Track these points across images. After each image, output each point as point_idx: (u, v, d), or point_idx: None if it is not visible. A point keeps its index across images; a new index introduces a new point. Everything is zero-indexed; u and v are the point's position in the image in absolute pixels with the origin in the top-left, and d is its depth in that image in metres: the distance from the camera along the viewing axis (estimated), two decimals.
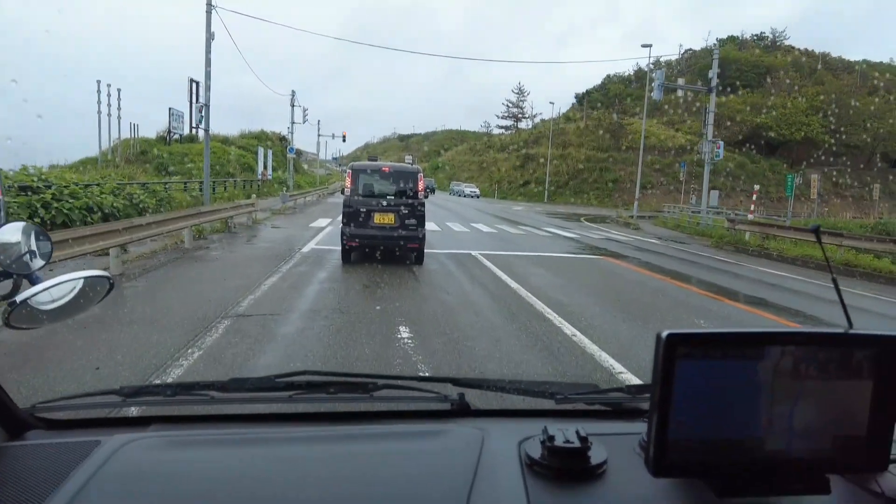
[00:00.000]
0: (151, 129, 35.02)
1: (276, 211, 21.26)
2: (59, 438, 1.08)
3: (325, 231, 15.04)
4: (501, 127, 78.35)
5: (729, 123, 44.64)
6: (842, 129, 45.15)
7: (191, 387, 1.28)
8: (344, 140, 64.33)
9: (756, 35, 69.76)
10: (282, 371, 1.32)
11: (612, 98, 60.28)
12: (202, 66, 18.57)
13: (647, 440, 0.78)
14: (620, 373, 4.57)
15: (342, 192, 9.90)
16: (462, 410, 1.26)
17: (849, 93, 49.17)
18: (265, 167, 34.25)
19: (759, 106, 48.75)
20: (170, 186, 19.43)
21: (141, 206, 14.03)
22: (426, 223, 9.98)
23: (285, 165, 40.55)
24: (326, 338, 5.19)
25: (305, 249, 11.27)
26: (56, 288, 1.08)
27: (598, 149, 50.96)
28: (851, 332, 0.80)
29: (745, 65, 56.51)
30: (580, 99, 66.63)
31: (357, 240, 9.46)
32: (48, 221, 10.52)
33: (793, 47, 65.16)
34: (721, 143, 23.36)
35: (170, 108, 31.80)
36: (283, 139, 46.95)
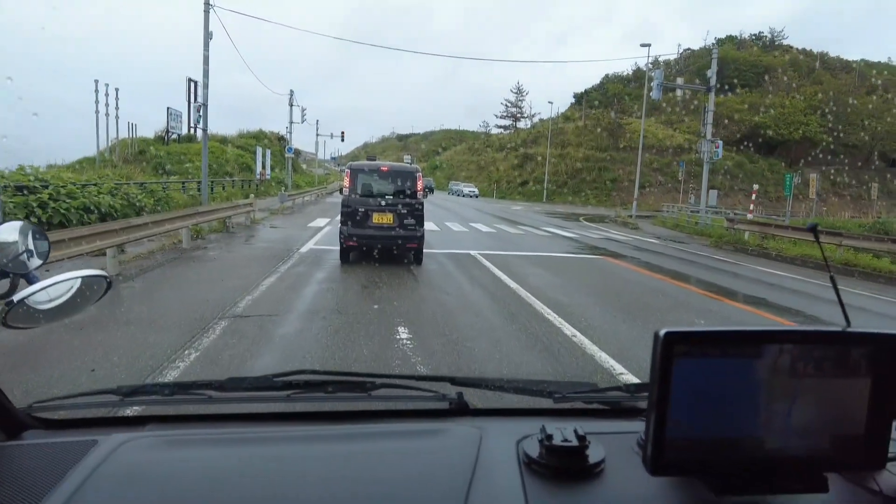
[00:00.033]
0: (150, 128, 34.94)
1: (274, 211, 21.21)
2: (56, 438, 1.08)
3: (323, 231, 15.00)
4: (500, 126, 78.34)
5: (727, 122, 44.65)
6: (839, 127, 45.21)
7: (188, 386, 1.27)
8: (342, 140, 64.43)
9: (754, 34, 69.97)
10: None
11: (610, 98, 60.27)
12: (200, 65, 18.51)
13: (644, 439, 0.78)
14: (621, 374, 4.54)
15: (340, 192, 9.86)
16: (460, 409, 1.25)
17: (847, 92, 49.24)
18: (263, 167, 34.18)
19: (758, 105, 48.82)
20: (168, 186, 19.38)
21: (139, 205, 13.98)
22: (425, 223, 9.94)
23: (284, 165, 40.49)
24: (325, 339, 5.15)
25: (304, 249, 11.23)
26: (53, 287, 1.07)
27: (597, 148, 50.97)
28: (849, 330, 0.80)
29: (744, 64, 56.59)
30: (579, 98, 66.62)
31: (356, 240, 9.42)
32: (45, 221, 10.46)
33: (791, 47, 65.29)
34: (720, 142, 23.35)
35: (168, 108, 31.74)
36: (281, 139, 46.88)
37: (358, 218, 9.36)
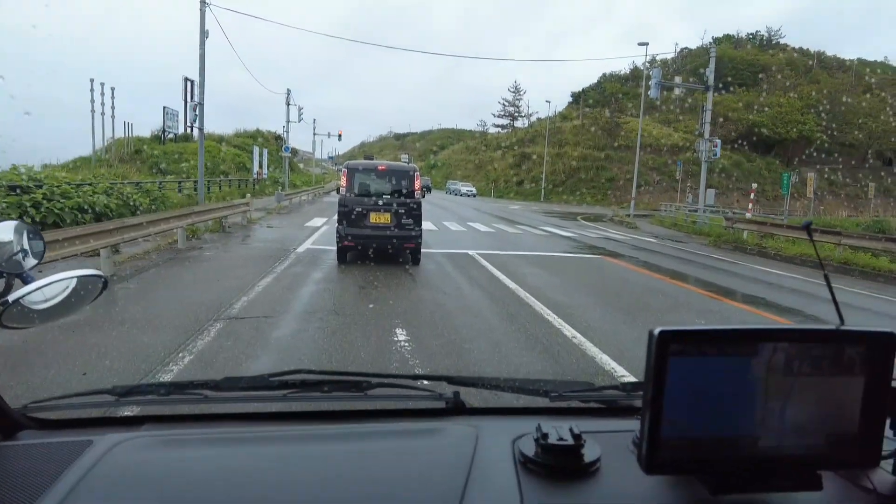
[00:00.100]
0: (146, 128, 34.73)
1: (271, 210, 21.10)
2: (51, 438, 1.07)
3: (320, 231, 14.91)
4: (498, 126, 78.22)
5: (722, 121, 44.63)
6: (833, 125, 45.28)
7: (184, 386, 1.27)
8: (340, 139, 64.44)
9: (751, 34, 70.00)
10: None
11: (608, 97, 60.26)
12: (197, 64, 18.39)
13: (639, 438, 0.78)
14: (622, 376, 4.47)
15: (337, 192, 9.78)
16: (457, 408, 1.25)
17: (843, 91, 49.32)
18: (260, 166, 34.04)
19: (755, 104, 48.84)
20: (163, 186, 19.25)
21: (134, 205, 13.87)
22: (423, 222, 9.86)
23: (281, 164, 40.34)
24: (321, 341, 5.08)
25: (300, 249, 11.14)
26: (49, 287, 1.06)
27: (595, 147, 50.96)
28: (843, 328, 0.81)
29: (741, 63, 56.62)
30: (576, 98, 66.60)
31: (353, 239, 9.33)
32: (39, 221, 10.35)
33: (788, 46, 65.34)
34: (718, 141, 23.31)
35: (164, 107, 31.58)
36: (278, 138, 46.68)
37: (355, 218, 9.28)
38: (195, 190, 20.15)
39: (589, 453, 0.95)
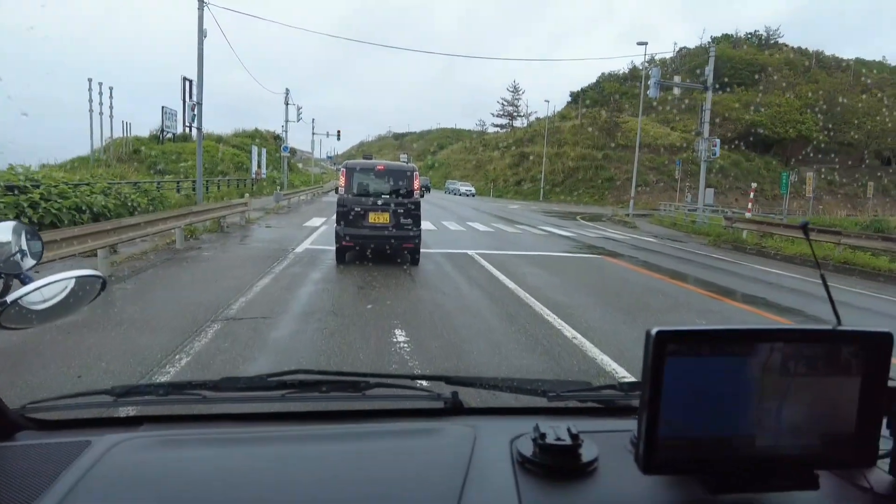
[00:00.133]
0: (145, 128, 34.82)
1: (269, 210, 21.04)
2: (49, 439, 1.07)
3: (319, 230, 14.86)
4: (497, 125, 78.11)
5: (720, 120, 44.58)
6: (830, 125, 45.27)
7: (183, 386, 1.27)
8: (338, 138, 64.31)
9: (750, 33, 70.02)
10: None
11: (606, 96, 60.25)
12: (195, 64, 18.36)
13: (637, 437, 0.78)
14: (623, 377, 4.42)
15: (336, 192, 9.73)
16: (455, 409, 1.25)
17: (841, 91, 49.33)
18: (259, 166, 33.97)
19: (753, 104, 48.83)
20: (162, 185, 19.18)
21: (132, 205, 13.81)
22: (422, 222, 9.81)
23: (279, 164, 40.26)
24: (319, 342, 5.04)
25: (299, 249, 11.10)
26: (47, 288, 1.06)
27: (593, 147, 50.92)
28: (839, 328, 0.81)
29: (739, 63, 56.61)
30: (575, 97, 66.60)
31: (352, 239, 9.29)
32: (36, 221, 10.29)
33: (786, 45, 65.35)
34: (717, 140, 23.28)
35: (163, 107, 31.56)
36: (277, 138, 46.61)
37: (354, 217, 9.23)
38: (193, 190, 20.09)
39: (586, 453, 0.95)
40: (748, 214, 21.29)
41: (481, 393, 1.43)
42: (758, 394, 0.78)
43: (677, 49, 59.55)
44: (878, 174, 44.75)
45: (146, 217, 10.35)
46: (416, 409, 1.30)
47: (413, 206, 9.42)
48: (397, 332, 5.40)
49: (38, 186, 11.22)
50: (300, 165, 63.73)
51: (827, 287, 0.92)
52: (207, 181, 24.18)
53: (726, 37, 67.51)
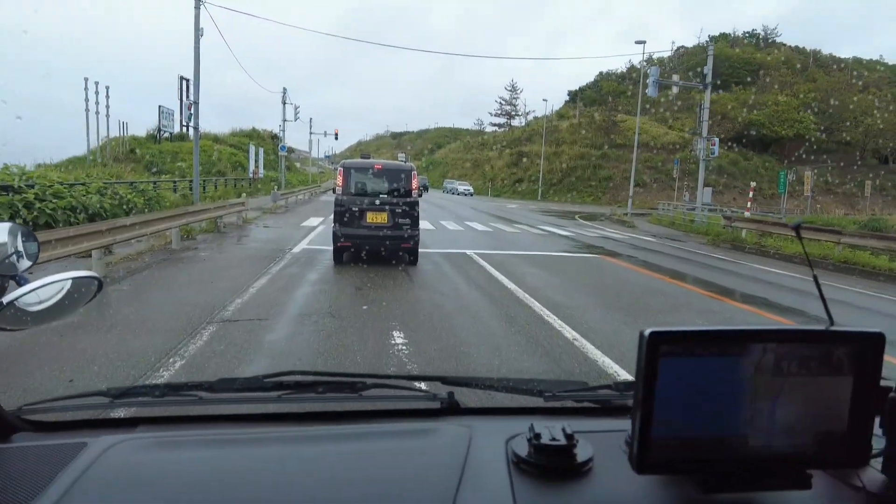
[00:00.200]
0: (142, 127, 34.64)
1: (266, 210, 20.95)
2: (45, 441, 1.07)
3: (316, 230, 14.77)
4: (495, 125, 78.14)
5: (719, 119, 44.58)
6: (829, 124, 45.26)
7: (179, 387, 1.27)
8: (336, 138, 64.04)
9: (748, 32, 70.06)
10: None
11: (604, 95, 60.23)
12: (192, 63, 18.24)
13: (631, 438, 0.79)
14: (626, 380, 4.36)
15: (333, 192, 9.64)
16: (451, 409, 1.25)
17: (839, 90, 49.34)
18: (256, 165, 33.85)
19: (751, 103, 48.82)
20: (158, 185, 19.06)
21: (128, 205, 13.70)
22: (420, 222, 9.73)
23: (277, 164, 40.13)
24: (316, 344, 4.96)
25: (296, 250, 11.01)
26: (43, 289, 1.06)
27: (592, 146, 50.91)
28: (832, 328, 0.81)
29: (737, 62, 56.64)
30: (573, 96, 66.58)
31: (349, 240, 9.20)
32: (30, 222, 10.19)
33: (784, 44, 65.39)
34: (716, 139, 23.23)
35: (159, 106, 31.48)
36: (274, 137, 46.52)
37: (351, 217, 9.15)
38: (190, 190, 19.97)
39: (581, 453, 0.96)
40: (747, 213, 21.26)
41: (478, 393, 1.43)
42: (751, 394, 0.79)
43: (675, 48, 59.55)
44: (877, 173, 44.74)
45: (141, 217, 10.24)
46: (413, 410, 1.29)
47: (411, 206, 9.34)
48: (395, 333, 5.32)
49: (32, 186, 11.12)
50: (298, 165, 63.56)
51: (819, 288, 0.93)
52: (204, 181, 24.05)
53: (724, 36, 67.56)
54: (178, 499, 0.90)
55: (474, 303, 7.00)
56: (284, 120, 39.00)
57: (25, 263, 1.13)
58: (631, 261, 12.26)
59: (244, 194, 22.05)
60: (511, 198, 47.70)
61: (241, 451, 1.05)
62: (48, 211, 10.84)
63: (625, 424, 0.95)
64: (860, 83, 50.50)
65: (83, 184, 13.22)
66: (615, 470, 0.93)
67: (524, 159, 54.51)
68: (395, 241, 9.31)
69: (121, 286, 7.28)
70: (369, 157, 11.03)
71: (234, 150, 37.67)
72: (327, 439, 1.12)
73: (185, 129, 31.65)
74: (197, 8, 17.62)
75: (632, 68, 60.37)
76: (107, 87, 31.84)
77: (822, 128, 46.12)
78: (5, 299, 0.99)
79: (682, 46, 63.70)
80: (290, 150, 51.95)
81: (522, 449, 0.97)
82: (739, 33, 69.50)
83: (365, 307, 6.49)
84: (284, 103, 38.33)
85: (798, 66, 57.94)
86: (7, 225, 1.15)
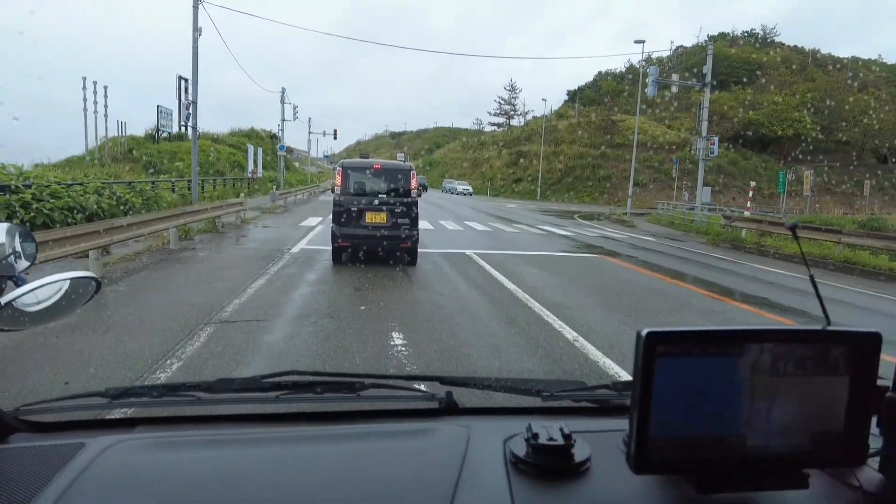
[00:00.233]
0: (140, 127, 34.51)
1: (265, 210, 20.90)
2: (43, 441, 1.07)
3: (315, 230, 14.73)
4: (494, 124, 78.11)
5: (718, 118, 44.57)
6: (828, 122, 45.24)
7: (177, 388, 1.27)
8: (335, 137, 64.11)
9: (746, 32, 70.08)
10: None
11: (603, 95, 60.21)
12: (191, 62, 18.18)
13: (628, 437, 0.79)
14: (627, 380, 4.33)
15: (332, 191, 9.60)
16: (449, 409, 1.25)
17: (838, 89, 49.33)
18: (255, 165, 33.79)
19: (750, 102, 48.81)
20: (157, 185, 18.99)
21: (126, 205, 13.64)
22: (419, 221, 9.68)
23: (276, 163, 40.06)
24: (315, 345, 4.92)
25: (295, 250, 10.97)
26: (41, 290, 1.06)
27: (591, 145, 50.86)
28: (828, 328, 0.81)
29: (736, 61, 56.61)
30: (572, 96, 66.55)
31: (348, 240, 9.16)
32: (28, 222, 10.14)
33: (783, 44, 65.39)
34: (716, 139, 23.21)
35: (158, 106, 31.33)
36: (273, 137, 46.44)
37: (350, 217, 9.10)
38: (189, 189, 19.91)
39: (579, 453, 0.96)
40: (747, 213, 21.23)
41: (476, 393, 1.43)
42: (748, 394, 0.79)
43: (674, 48, 59.54)
44: (876, 172, 44.76)
45: (139, 218, 10.19)
46: (411, 410, 1.29)
47: (410, 206, 9.30)
48: (394, 334, 5.28)
49: (29, 187, 11.06)
50: (297, 164, 63.47)
51: (816, 287, 0.93)
52: (203, 181, 23.98)
53: (723, 35, 67.56)
54: (176, 499, 0.89)
55: (474, 303, 6.96)
56: (283, 120, 38.99)
57: (23, 264, 1.13)
58: (631, 261, 12.23)
59: (243, 194, 22.01)
60: (510, 197, 47.67)
61: (239, 452, 1.05)
62: (45, 211, 10.78)
63: (622, 424, 0.96)
64: (856, 84, 50.48)
65: (81, 184, 13.16)
66: (613, 470, 0.93)
67: (523, 159, 54.44)
68: (394, 241, 9.26)
69: (118, 287, 7.23)
70: (368, 157, 11.00)
71: (233, 149, 37.59)
72: (325, 439, 1.12)
73: (183, 128, 31.55)
74: (195, 7, 17.58)
75: (631, 68, 60.34)
76: (105, 87, 31.77)
77: (821, 127, 46.11)
78: (3, 300, 0.99)
79: (681, 46, 63.73)
80: (289, 150, 51.90)
81: (520, 449, 0.98)
82: (738, 33, 69.58)
83: (364, 308, 6.45)
84: (283, 103, 38.33)
85: (796, 65, 57.98)
86: (5, 225, 1.15)
